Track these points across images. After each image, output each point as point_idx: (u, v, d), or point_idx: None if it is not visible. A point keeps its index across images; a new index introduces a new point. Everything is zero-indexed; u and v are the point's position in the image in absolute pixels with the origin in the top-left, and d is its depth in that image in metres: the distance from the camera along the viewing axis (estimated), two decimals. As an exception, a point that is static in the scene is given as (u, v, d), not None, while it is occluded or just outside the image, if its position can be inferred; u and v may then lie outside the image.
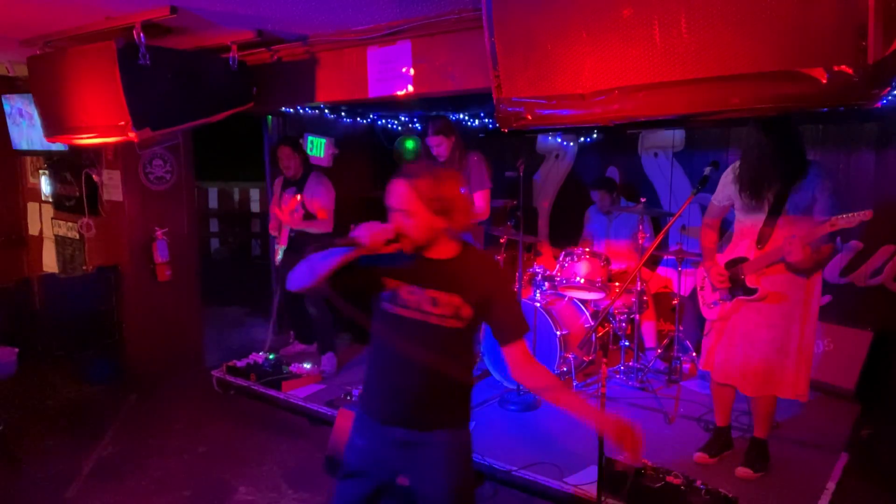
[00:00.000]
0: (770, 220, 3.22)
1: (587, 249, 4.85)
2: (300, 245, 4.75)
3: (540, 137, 6.25)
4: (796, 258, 3.05)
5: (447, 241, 2.10)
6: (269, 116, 6.21)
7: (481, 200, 4.38)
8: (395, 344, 2.10)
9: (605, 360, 2.64)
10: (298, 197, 4.79)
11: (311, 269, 2.02)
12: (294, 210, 4.72)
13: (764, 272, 3.23)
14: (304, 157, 5.00)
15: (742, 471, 3.39)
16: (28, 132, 5.59)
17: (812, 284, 3.25)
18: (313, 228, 4.79)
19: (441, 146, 4.38)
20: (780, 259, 3.15)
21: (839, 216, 2.96)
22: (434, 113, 6.69)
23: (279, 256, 5.05)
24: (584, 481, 3.28)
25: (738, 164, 3.30)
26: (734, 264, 3.35)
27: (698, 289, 3.59)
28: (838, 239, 4.72)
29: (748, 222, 3.32)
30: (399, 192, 2.02)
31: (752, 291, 3.26)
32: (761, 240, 3.25)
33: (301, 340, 5.47)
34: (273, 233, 5.15)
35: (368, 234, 1.95)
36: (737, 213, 3.40)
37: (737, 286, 3.32)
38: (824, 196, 3.11)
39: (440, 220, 2.03)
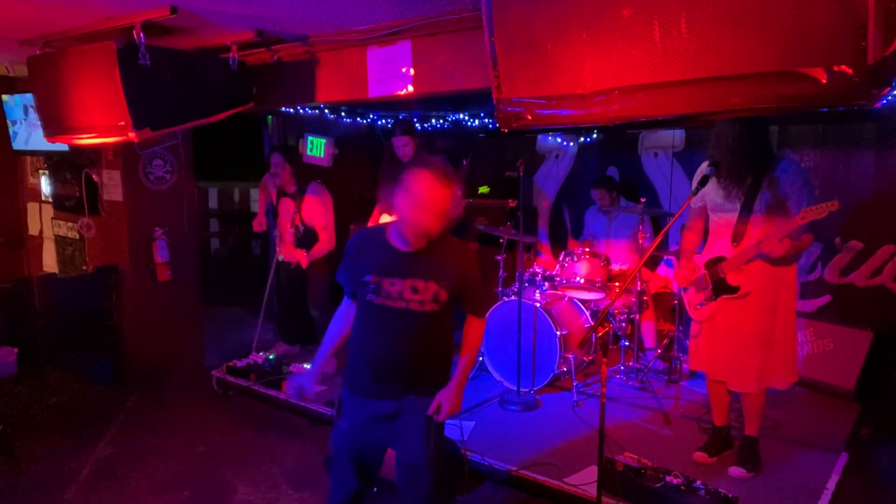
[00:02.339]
0: (743, 217, 3.24)
1: (587, 249, 4.85)
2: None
3: (540, 137, 6.25)
4: (778, 254, 3.07)
5: None
6: (269, 116, 6.21)
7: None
8: (382, 329, 2.33)
9: (605, 360, 2.64)
10: (298, 221, 4.91)
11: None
12: (293, 227, 4.89)
13: (743, 269, 3.25)
14: (295, 170, 5.00)
15: (735, 470, 3.38)
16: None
17: (789, 275, 3.29)
18: (319, 254, 4.89)
19: (408, 146, 4.50)
20: (758, 255, 3.17)
21: (808, 208, 3.00)
22: (434, 113, 6.70)
23: (280, 257, 5.08)
24: (584, 481, 3.28)
25: (706, 163, 3.32)
26: (714, 264, 3.35)
27: (682, 291, 3.60)
28: (838, 239, 4.73)
29: (721, 221, 3.34)
30: (437, 190, 2.19)
31: (734, 289, 3.27)
32: (736, 237, 3.27)
33: (285, 341, 5.43)
34: (279, 246, 5.17)
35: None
36: (710, 213, 3.42)
37: (719, 286, 3.33)
38: (795, 190, 3.13)
39: (443, 220, 2.23)
